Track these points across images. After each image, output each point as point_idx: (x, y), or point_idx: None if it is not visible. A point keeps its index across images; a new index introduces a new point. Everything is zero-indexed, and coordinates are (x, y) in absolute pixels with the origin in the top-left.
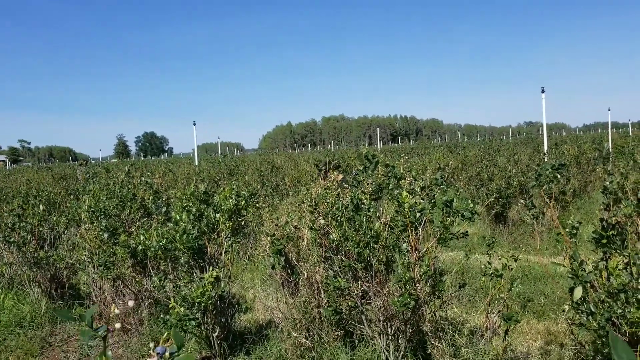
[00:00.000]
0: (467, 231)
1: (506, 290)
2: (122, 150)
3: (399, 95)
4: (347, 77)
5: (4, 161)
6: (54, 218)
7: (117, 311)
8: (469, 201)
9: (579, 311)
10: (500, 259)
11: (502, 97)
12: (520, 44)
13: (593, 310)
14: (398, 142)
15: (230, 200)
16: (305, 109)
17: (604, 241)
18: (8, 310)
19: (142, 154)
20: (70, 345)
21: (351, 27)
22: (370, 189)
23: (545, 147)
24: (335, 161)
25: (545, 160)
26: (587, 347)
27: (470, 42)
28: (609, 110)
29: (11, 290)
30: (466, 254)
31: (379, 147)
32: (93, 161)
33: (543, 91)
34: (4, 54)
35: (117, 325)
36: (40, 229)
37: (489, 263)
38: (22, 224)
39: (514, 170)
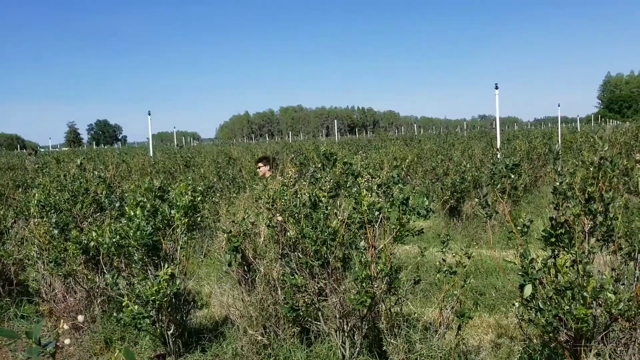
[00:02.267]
0: (422, 229)
1: (459, 287)
2: (73, 138)
3: (357, 86)
4: (305, 67)
5: None
6: (1, 212)
7: (66, 327)
8: (425, 199)
9: (528, 307)
10: (454, 255)
11: (456, 91)
12: (475, 38)
13: (541, 306)
14: (355, 134)
15: (186, 196)
16: (263, 99)
17: (553, 239)
18: None
19: (94, 143)
20: (18, 343)
21: (310, 16)
22: (328, 186)
23: (499, 143)
24: (266, 154)
25: (498, 156)
26: (535, 340)
27: (426, 35)
28: (558, 106)
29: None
30: (422, 251)
31: (336, 138)
32: (42, 150)
33: (497, 87)
34: None
35: (67, 341)
36: None
37: (444, 260)
38: None
39: (468, 165)
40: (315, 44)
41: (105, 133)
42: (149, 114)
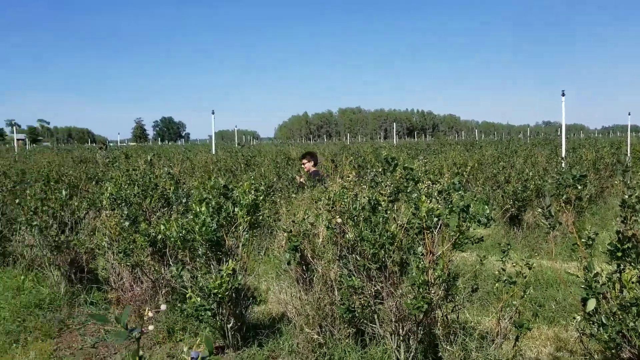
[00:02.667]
0: (482, 237)
1: (519, 297)
2: (139, 134)
3: (417, 89)
4: (365, 69)
5: (23, 140)
6: (76, 203)
7: (150, 314)
8: (485, 206)
9: (591, 322)
10: (514, 265)
11: (520, 96)
12: (542, 42)
13: (604, 322)
14: (414, 137)
15: (250, 195)
16: (322, 100)
17: (619, 254)
18: (27, 291)
19: (159, 139)
20: (88, 328)
21: (371, 18)
22: (388, 190)
23: (564, 152)
24: (311, 151)
25: (563, 164)
26: (596, 356)
27: (491, 38)
28: (629, 114)
29: (31, 272)
30: (481, 260)
31: (394, 141)
32: (111, 144)
33: (563, 94)
34: (25, 32)
35: (151, 327)
36: (62, 213)
37: (503, 269)
38: (44, 208)
39: (530, 173)
40: (375, 46)
41: (170, 130)
42: (213, 113)
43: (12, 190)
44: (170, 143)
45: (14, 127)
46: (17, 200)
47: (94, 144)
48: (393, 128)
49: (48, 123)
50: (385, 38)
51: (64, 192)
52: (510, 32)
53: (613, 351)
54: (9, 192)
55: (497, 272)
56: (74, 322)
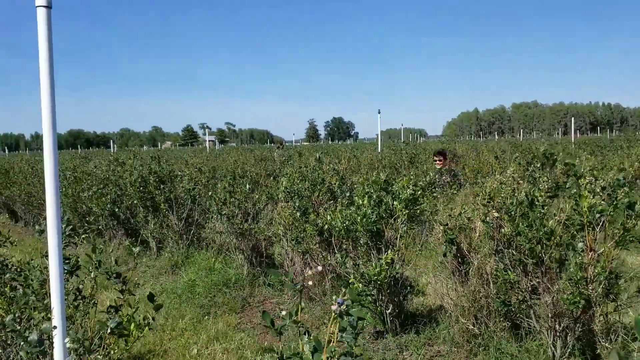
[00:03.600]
0: None
1: None
2: (312, 134)
3: (602, 80)
4: (543, 59)
5: (213, 141)
6: (256, 196)
7: (310, 272)
8: None
9: None
10: None
11: None
12: None
13: None
14: (598, 133)
15: (408, 190)
16: (494, 95)
17: None
18: (217, 272)
19: (329, 138)
20: (265, 306)
21: (543, 5)
22: (546, 186)
23: None
24: (443, 149)
25: None
26: None
27: None
28: None
29: (220, 255)
30: None
31: (572, 137)
32: (287, 143)
33: None
34: (212, 45)
35: (310, 283)
36: (246, 204)
37: None
38: (231, 200)
39: None
40: (552, 34)
41: (340, 129)
42: (379, 113)
43: (206, 184)
44: (339, 142)
45: (206, 130)
46: (209, 193)
47: (272, 144)
48: (571, 123)
49: (234, 125)
50: (563, 23)
51: (247, 186)
52: None
53: None
54: (203, 186)
55: None
56: (254, 300)
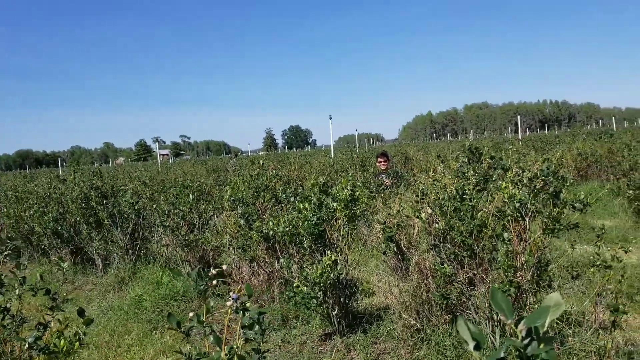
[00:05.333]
0: (577, 222)
1: (616, 282)
2: (270, 143)
3: (549, 79)
4: (492, 61)
5: (167, 155)
6: (203, 206)
7: (214, 272)
8: (581, 192)
9: None
10: (609, 250)
11: None
12: None
13: None
14: (546, 130)
15: (346, 191)
16: (447, 98)
17: None
18: (165, 285)
19: (287, 147)
20: (214, 317)
21: (490, 8)
22: (474, 180)
23: None
24: (385, 151)
25: None
26: None
27: (632, 14)
28: None
29: (167, 269)
30: (572, 245)
31: (519, 135)
32: (243, 154)
33: None
34: (161, 59)
35: (214, 282)
36: (191, 215)
37: (597, 254)
38: (175, 211)
39: None
40: (500, 36)
41: (298, 137)
42: (330, 118)
43: (151, 197)
44: (297, 150)
45: (158, 143)
46: (154, 206)
47: (229, 155)
48: (518, 122)
49: (189, 138)
50: (508, 25)
51: (191, 196)
52: None
53: None
54: (148, 199)
55: (592, 258)
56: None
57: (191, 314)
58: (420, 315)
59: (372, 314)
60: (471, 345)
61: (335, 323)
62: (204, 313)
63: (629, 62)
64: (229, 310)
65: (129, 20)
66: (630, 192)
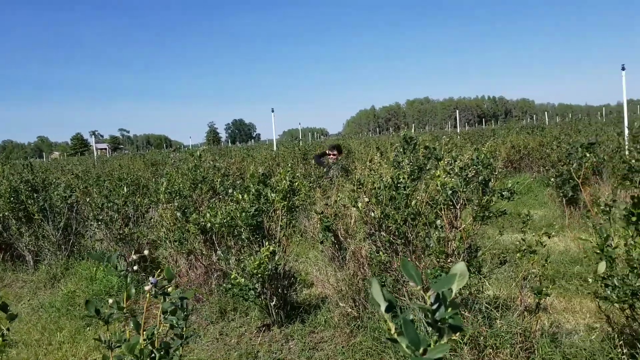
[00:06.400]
0: (504, 210)
1: (540, 266)
2: (212, 137)
3: (487, 75)
4: (432, 58)
5: (105, 149)
6: (139, 199)
7: (135, 257)
8: (509, 182)
9: (604, 285)
10: (533, 235)
11: (601, 74)
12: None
13: (617, 284)
14: (484, 124)
15: (284, 182)
16: (390, 93)
17: (634, 219)
18: (99, 280)
19: (230, 141)
20: (150, 312)
21: (434, 5)
22: (408, 169)
23: (625, 127)
24: (337, 143)
25: (623, 140)
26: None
27: (565, 15)
28: None
29: (102, 264)
30: (500, 231)
31: (458, 129)
32: (185, 148)
33: (623, 68)
34: (105, 48)
35: (135, 267)
36: (126, 208)
37: (523, 240)
38: (109, 204)
39: (587, 152)
40: (441, 33)
41: (241, 131)
42: (272, 111)
43: (85, 191)
44: (241, 144)
45: (95, 137)
46: (87, 199)
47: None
48: (457, 116)
49: (128, 132)
50: (451, 24)
51: (125, 189)
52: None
53: (627, 311)
54: (81, 193)
55: (517, 243)
56: (140, 306)
57: (110, 301)
58: (357, 303)
59: (310, 304)
60: (383, 306)
61: (274, 314)
62: (124, 299)
63: (562, 60)
64: (148, 296)
65: (64, 5)
66: (552, 179)
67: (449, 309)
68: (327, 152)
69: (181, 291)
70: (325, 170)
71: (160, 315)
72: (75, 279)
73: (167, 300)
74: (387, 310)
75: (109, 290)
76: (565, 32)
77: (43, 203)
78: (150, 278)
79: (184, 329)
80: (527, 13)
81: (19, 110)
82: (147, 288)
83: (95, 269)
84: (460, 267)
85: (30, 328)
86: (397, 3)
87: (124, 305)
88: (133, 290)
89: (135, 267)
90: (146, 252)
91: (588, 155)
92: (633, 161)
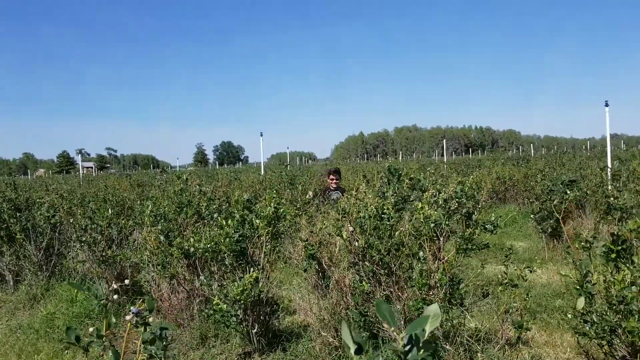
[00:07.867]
0: (487, 243)
1: (521, 300)
2: (200, 158)
3: (474, 105)
4: (421, 86)
5: (91, 168)
6: (123, 221)
7: (115, 286)
8: (492, 215)
9: (583, 320)
10: (516, 269)
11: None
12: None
13: (595, 320)
14: (470, 154)
15: (269, 208)
16: (379, 120)
17: (613, 255)
18: (80, 303)
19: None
20: (131, 335)
21: (423, 36)
22: (393, 200)
23: (609, 162)
24: (338, 168)
25: (607, 174)
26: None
27: (554, 50)
28: None
29: (83, 285)
30: (482, 264)
31: (445, 158)
32: (172, 169)
33: (607, 105)
34: (92, 66)
35: (115, 296)
36: (110, 230)
37: (505, 273)
38: (93, 226)
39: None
40: (431, 63)
41: (229, 154)
42: (261, 135)
43: (69, 212)
44: (228, 166)
45: (81, 155)
46: (71, 220)
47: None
48: (444, 145)
49: (115, 151)
50: (442, 53)
51: (110, 210)
52: (575, 39)
53: (605, 347)
54: (65, 213)
55: (500, 276)
56: (120, 330)
57: (91, 329)
58: (339, 333)
59: (292, 332)
60: (352, 349)
61: (255, 341)
62: (104, 328)
63: (548, 93)
64: (129, 325)
65: (50, 22)
66: (532, 215)
67: (422, 351)
68: (328, 178)
69: (161, 321)
70: (328, 194)
71: (140, 345)
72: (55, 300)
73: (148, 330)
74: (357, 352)
75: (89, 313)
76: (552, 66)
77: (26, 222)
78: (132, 307)
79: (162, 359)
80: (516, 46)
81: (4, 126)
82: (128, 318)
83: (75, 290)
84: (433, 309)
85: (7, 350)
86: (387, 33)
87: (104, 334)
88: (113, 320)
89: (115, 297)
90: (127, 281)
91: (568, 192)
92: (612, 199)
